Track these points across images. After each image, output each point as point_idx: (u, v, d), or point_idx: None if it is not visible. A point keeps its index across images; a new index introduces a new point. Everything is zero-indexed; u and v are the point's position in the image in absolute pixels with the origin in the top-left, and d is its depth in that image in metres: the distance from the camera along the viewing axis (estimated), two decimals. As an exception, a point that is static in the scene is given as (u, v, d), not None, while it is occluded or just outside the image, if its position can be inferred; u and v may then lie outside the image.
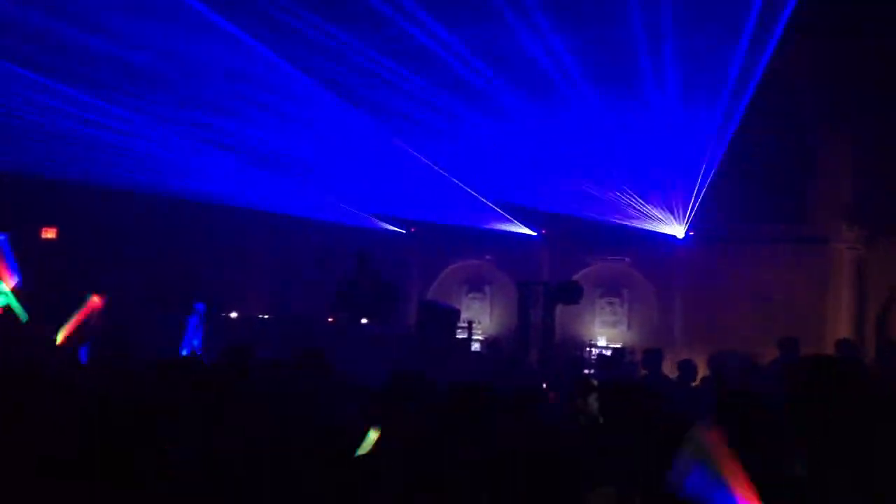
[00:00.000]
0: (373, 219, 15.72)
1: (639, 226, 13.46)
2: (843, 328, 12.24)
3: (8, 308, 8.54)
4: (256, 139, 14.44)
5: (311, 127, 15.17)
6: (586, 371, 10.09)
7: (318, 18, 11.56)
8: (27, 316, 6.99)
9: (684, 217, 13.24)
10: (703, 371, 8.92)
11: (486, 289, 15.59)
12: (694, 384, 8.44)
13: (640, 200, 13.14)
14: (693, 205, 12.98)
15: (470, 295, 15.66)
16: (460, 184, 14.40)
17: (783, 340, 8.72)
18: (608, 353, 12.53)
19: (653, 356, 8.86)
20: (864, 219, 12.43)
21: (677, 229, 13.39)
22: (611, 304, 14.54)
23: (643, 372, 8.92)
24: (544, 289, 11.71)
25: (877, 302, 12.51)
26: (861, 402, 2.44)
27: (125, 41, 11.84)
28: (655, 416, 2.78)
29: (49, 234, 14.72)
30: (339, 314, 10.02)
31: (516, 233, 14.64)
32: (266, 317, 12.30)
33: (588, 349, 13.48)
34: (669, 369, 9.39)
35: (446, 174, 14.64)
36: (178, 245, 14.73)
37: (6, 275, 8.33)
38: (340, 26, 12.00)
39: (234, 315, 10.51)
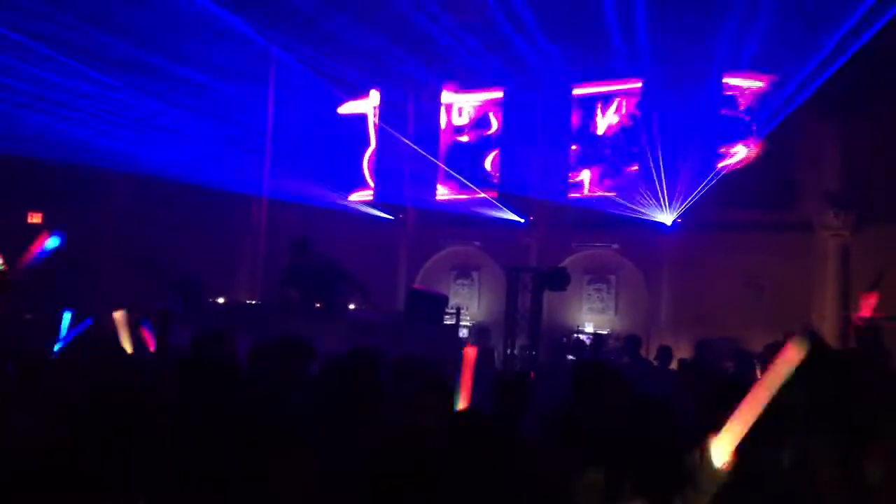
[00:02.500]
0: (360, 205, 15.71)
1: (627, 213, 13.51)
2: (828, 314, 12.32)
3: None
4: (243, 123, 14.39)
5: (301, 111, 15.17)
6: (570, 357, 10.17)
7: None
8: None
9: (673, 205, 13.31)
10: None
11: (474, 275, 15.60)
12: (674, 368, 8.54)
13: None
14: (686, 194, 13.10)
15: (458, 281, 15.67)
16: (447, 168, 14.41)
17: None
18: (587, 338, 12.67)
19: (632, 342, 9.08)
20: (849, 205, 12.49)
21: (665, 216, 13.43)
22: (598, 290, 14.57)
23: (625, 359, 9.06)
24: (532, 275, 11.73)
25: (862, 287, 12.56)
26: (851, 390, 2.45)
27: (110, 23, 11.78)
28: (628, 398, 2.78)
29: (35, 218, 14.63)
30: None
31: (504, 219, 14.65)
32: (253, 302, 12.28)
33: (574, 335, 13.53)
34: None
35: (432, 158, 14.66)
36: (165, 229, 14.65)
37: None
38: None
39: (220, 301, 10.45)
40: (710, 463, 2.14)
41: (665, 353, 9.17)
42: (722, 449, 2.15)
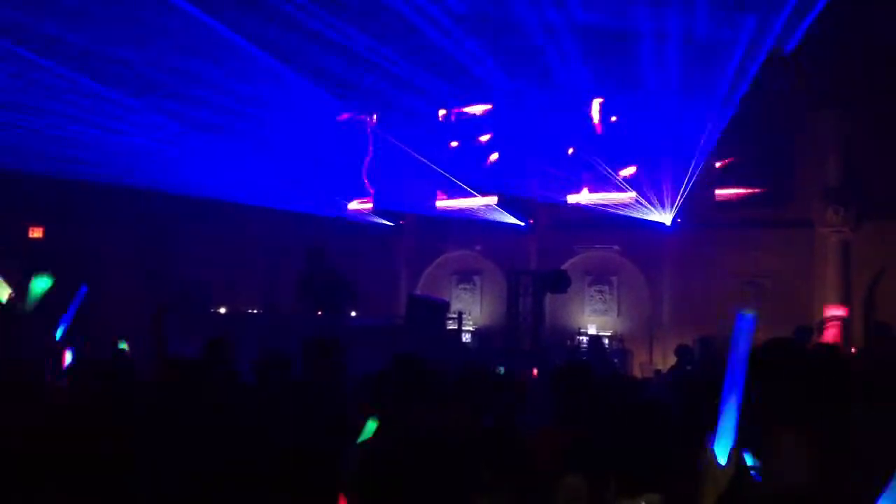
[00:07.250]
0: (362, 212, 15.74)
1: (627, 213, 13.51)
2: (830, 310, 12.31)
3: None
4: (245, 132, 14.45)
5: (300, 121, 15.22)
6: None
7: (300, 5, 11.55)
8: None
9: (672, 204, 13.31)
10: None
11: (476, 279, 15.60)
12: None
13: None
14: (682, 193, 13.09)
15: (460, 286, 15.67)
16: (445, 173, 14.42)
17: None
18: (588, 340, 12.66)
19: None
20: (849, 201, 12.49)
21: (665, 216, 13.43)
22: (600, 291, 14.57)
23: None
24: (532, 278, 11.74)
25: (863, 284, 12.58)
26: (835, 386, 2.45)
27: (110, 36, 11.83)
28: (617, 401, 2.76)
29: (36, 233, 14.68)
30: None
31: (504, 223, 14.66)
32: (255, 311, 12.31)
33: (577, 337, 13.53)
34: (662, 354, 9.49)
35: (434, 165, 14.70)
36: (167, 241, 14.71)
37: None
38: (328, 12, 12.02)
39: (222, 310, 10.50)
40: (714, 462, 2.14)
41: (685, 353, 8.92)
42: (723, 447, 2.15)
